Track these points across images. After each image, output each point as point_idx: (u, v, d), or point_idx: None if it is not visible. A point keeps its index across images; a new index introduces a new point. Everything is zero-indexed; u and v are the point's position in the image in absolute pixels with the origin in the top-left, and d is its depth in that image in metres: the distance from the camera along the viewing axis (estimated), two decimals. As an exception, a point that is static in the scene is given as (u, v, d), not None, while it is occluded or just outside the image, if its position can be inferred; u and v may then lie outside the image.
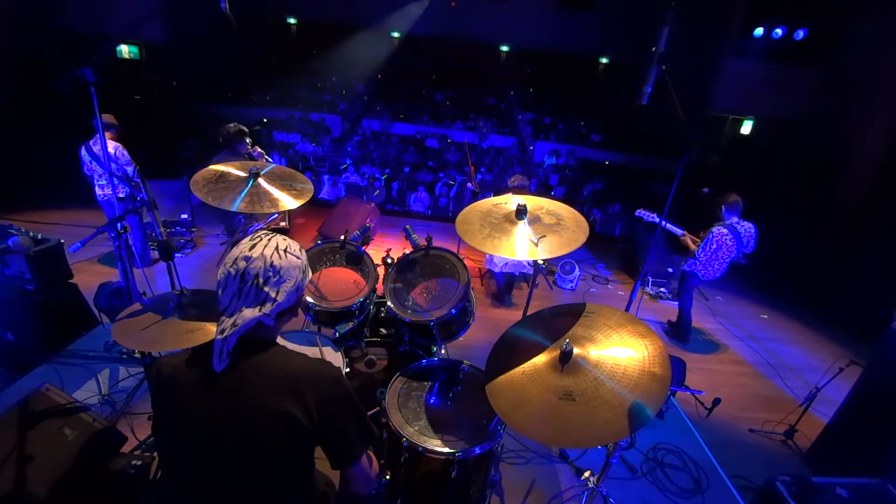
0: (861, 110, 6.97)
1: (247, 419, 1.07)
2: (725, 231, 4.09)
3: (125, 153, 4.36)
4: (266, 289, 1.12)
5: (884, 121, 6.56)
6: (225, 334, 1.08)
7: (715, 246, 4.10)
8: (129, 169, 4.38)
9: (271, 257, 1.13)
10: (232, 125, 4.15)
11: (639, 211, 4.37)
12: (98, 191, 4.44)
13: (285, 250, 1.16)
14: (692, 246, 4.23)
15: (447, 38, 12.66)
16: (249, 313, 1.10)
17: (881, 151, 6.55)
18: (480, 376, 2.00)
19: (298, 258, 1.19)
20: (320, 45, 12.76)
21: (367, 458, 1.29)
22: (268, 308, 1.12)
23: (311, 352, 2.16)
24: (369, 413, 1.76)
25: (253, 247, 1.13)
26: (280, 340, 2.24)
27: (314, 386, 1.11)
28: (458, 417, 1.86)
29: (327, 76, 13.13)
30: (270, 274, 1.12)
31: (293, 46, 12.81)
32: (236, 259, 1.12)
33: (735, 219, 4.13)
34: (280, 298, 1.14)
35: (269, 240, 1.16)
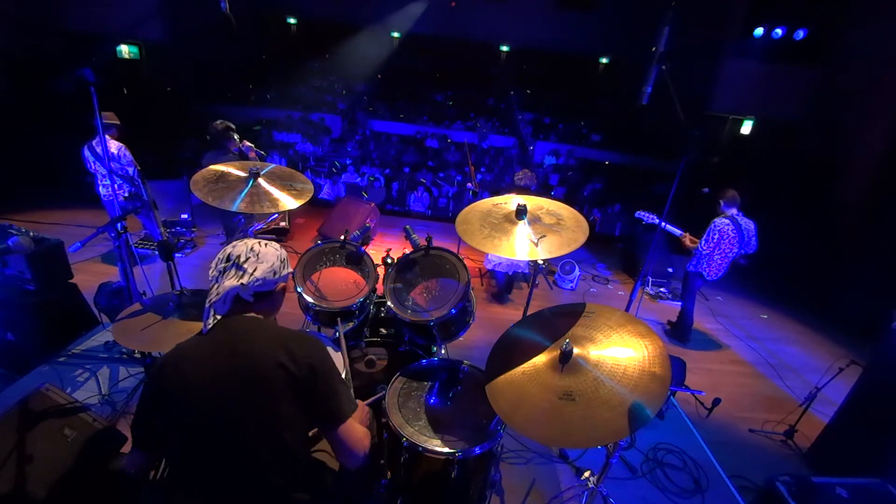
0: (861, 111, 6.97)
1: (246, 367, 1.24)
2: (727, 221, 4.10)
3: (127, 153, 4.36)
4: (245, 265, 1.34)
5: (883, 121, 6.57)
6: (211, 301, 1.32)
7: (717, 237, 4.09)
8: (131, 169, 4.38)
9: (253, 246, 1.38)
10: (219, 122, 4.15)
11: (638, 212, 4.37)
12: (102, 190, 4.45)
13: (266, 244, 1.40)
14: (691, 244, 4.23)
15: (447, 38, 12.65)
16: (229, 283, 1.32)
17: (881, 152, 6.55)
18: (480, 376, 2.00)
19: (277, 250, 1.40)
20: (320, 45, 12.75)
21: (355, 430, 1.37)
22: (245, 279, 1.32)
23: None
24: (371, 400, 1.80)
25: (242, 242, 1.40)
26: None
27: (301, 344, 1.31)
28: (458, 417, 1.86)
29: (327, 76, 13.12)
30: (250, 255, 1.35)
31: (293, 46, 12.80)
32: (225, 249, 1.38)
33: (734, 211, 4.14)
34: (256, 274, 1.33)
35: (255, 240, 1.41)
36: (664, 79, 2.54)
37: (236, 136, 4.19)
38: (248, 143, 4.31)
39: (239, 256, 1.34)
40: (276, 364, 1.23)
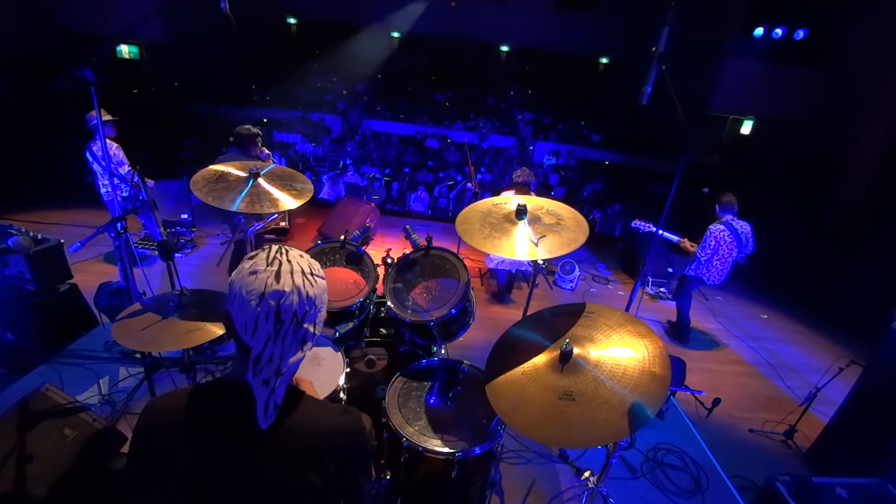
0: (861, 110, 6.98)
1: (270, 481, 0.96)
2: (722, 227, 4.11)
3: (118, 152, 4.39)
4: (305, 325, 0.98)
5: (883, 121, 6.57)
6: (270, 385, 0.93)
7: (713, 243, 4.10)
8: (123, 169, 4.40)
9: (304, 287, 0.97)
10: (247, 127, 4.21)
11: (634, 222, 4.38)
12: (102, 190, 4.47)
13: (311, 273, 1.00)
14: (691, 249, 4.23)
15: (447, 38, 12.66)
16: (294, 358, 0.97)
17: (881, 151, 6.55)
18: (480, 376, 2.00)
19: (323, 278, 1.05)
20: (320, 45, 12.76)
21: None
22: (309, 346, 1.00)
23: (312, 352, 2.16)
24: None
25: (278, 276, 0.95)
26: None
27: (337, 447, 1.02)
28: (458, 417, 1.86)
29: (327, 76, 13.13)
30: (307, 308, 0.97)
31: (293, 46, 12.81)
32: (263, 296, 0.93)
33: (730, 216, 4.15)
34: (318, 331, 1.02)
35: (290, 262, 0.99)
36: (664, 79, 2.53)
37: (260, 142, 4.25)
38: (267, 151, 4.38)
39: (295, 314, 0.95)
40: (303, 480, 0.96)
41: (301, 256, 1.03)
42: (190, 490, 0.96)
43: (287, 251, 1.02)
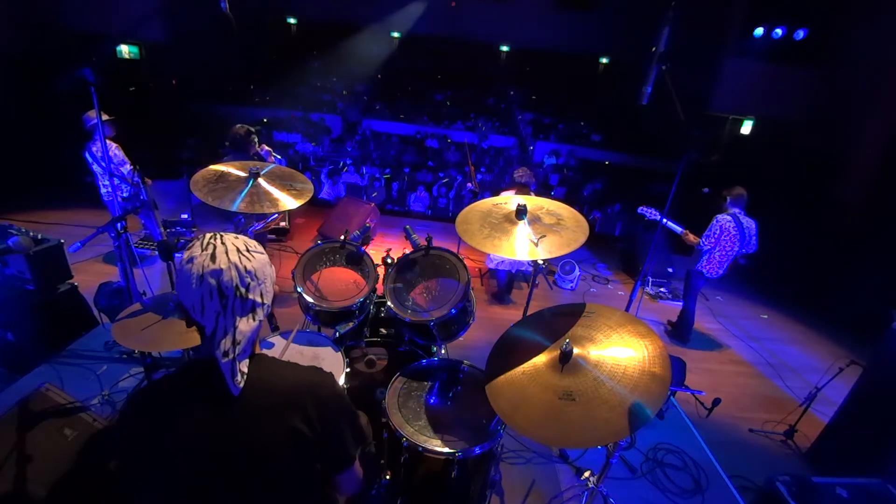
0: (861, 110, 6.98)
1: (257, 440, 1.01)
2: (729, 218, 4.11)
3: (118, 153, 4.37)
4: (251, 296, 1.04)
5: (883, 121, 6.56)
6: (230, 356, 0.99)
7: (718, 232, 4.10)
8: (124, 169, 4.39)
9: (241, 262, 1.02)
10: (239, 127, 4.11)
11: (641, 208, 4.39)
12: (102, 190, 4.46)
13: (248, 250, 1.06)
14: (694, 239, 4.23)
15: (447, 38, 12.67)
16: (246, 326, 1.03)
17: (881, 151, 6.55)
18: (480, 376, 2.00)
19: (263, 253, 1.11)
20: (320, 45, 12.77)
21: (357, 468, 1.24)
22: (260, 314, 1.06)
23: (312, 352, 2.16)
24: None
25: (213, 257, 1.00)
26: (280, 341, 2.24)
27: (315, 397, 1.08)
28: (458, 417, 1.86)
29: (327, 76, 13.14)
30: (249, 280, 1.03)
31: (293, 46, 12.81)
32: (203, 276, 0.98)
33: (738, 210, 4.16)
34: (267, 300, 1.08)
35: (224, 244, 1.03)
36: (664, 79, 2.53)
37: (255, 140, 4.18)
38: (267, 148, 4.30)
39: (237, 288, 1.01)
40: (288, 429, 1.02)
41: (236, 238, 1.07)
42: (181, 468, 0.99)
43: (221, 236, 1.07)
